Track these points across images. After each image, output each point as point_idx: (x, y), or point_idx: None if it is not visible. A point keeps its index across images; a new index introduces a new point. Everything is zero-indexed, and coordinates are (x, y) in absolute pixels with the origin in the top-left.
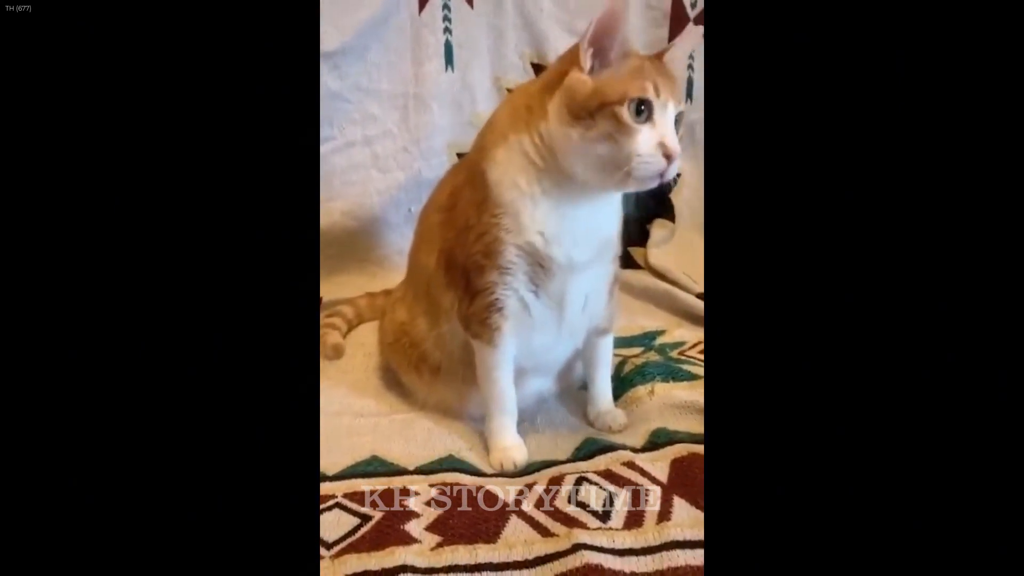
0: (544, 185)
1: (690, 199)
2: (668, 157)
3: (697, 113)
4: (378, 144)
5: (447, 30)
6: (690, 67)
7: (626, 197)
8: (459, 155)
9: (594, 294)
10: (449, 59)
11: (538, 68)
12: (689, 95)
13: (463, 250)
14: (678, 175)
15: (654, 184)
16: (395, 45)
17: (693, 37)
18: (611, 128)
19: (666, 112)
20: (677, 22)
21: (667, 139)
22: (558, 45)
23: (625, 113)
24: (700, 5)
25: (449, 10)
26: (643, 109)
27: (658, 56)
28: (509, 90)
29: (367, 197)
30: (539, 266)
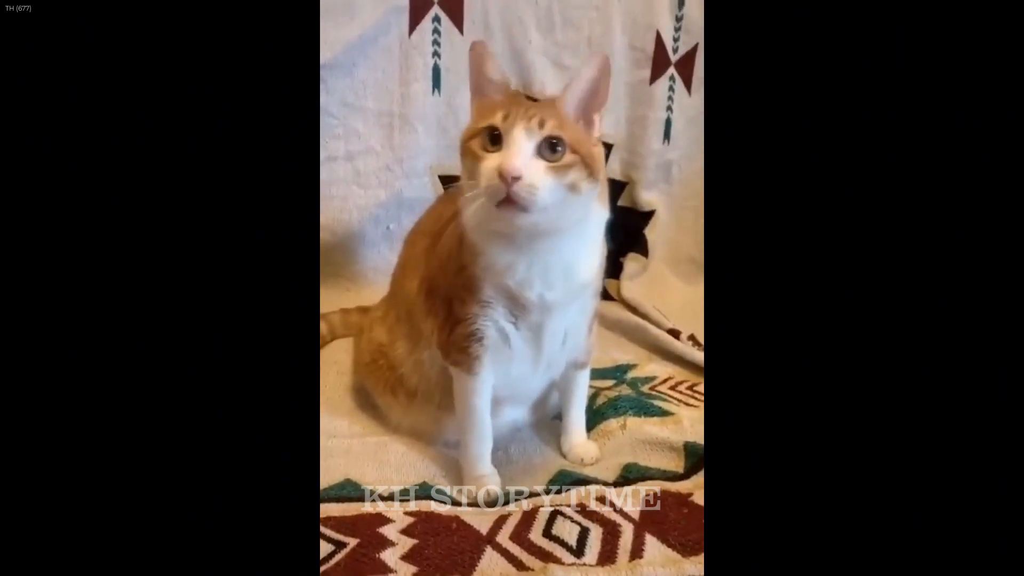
0: (500, 234)
1: (663, 235)
2: (502, 177)
3: (674, 153)
4: (360, 160)
5: (435, 54)
6: (669, 108)
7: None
8: (441, 177)
9: (574, 329)
10: (436, 82)
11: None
12: (667, 135)
13: (445, 280)
14: (652, 212)
15: (516, 214)
16: (383, 64)
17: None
18: (469, 163)
19: (511, 136)
20: (659, 64)
21: (504, 160)
22: (544, 77)
23: (475, 144)
24: (682, 49)
25: (439, 35)
26: (495, 136)
27: (552, 96)
28: None
29: (346, 212)
30: (517, 302)
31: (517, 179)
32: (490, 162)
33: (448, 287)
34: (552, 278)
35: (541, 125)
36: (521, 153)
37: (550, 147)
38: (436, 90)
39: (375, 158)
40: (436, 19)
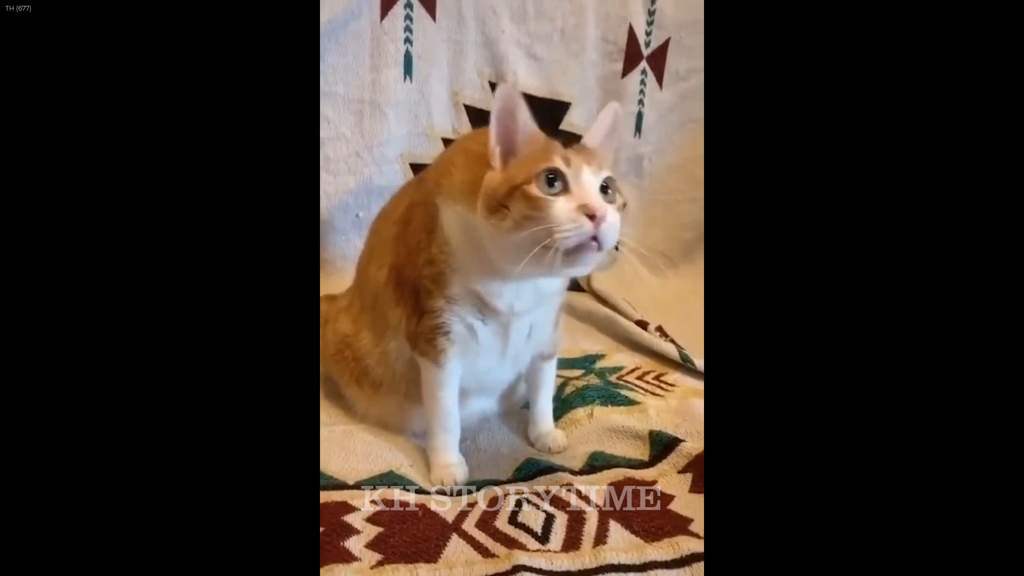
0: (483, 255)
1: (634, 228)
2: (592, 217)
3: (645, 147)
4: (330, 147)
5: (408, 40)
6: (640, 102)
7: None
8: (412, 165)
9: (539, 324)
10: (408, 69)
11: (495, 88)
12: (638, 129)
13: (413, 270)
14: (623, 205)
15: (592, 256)
16: (354, 50)
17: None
18: (525, 208)
19: (581, 178)
20: (631, 58)
21: (588, 199)
22: (517, 67)
23: (534, 188)
24: (654, 44)
25: (411, 21)
26: (554, 180)
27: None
28: (467, 107)
29: (319, 200)
30: (486, 306)
31: (604, 219)
32: (564, 204)
33: (416, 277)
34: (523, 293)
35: (600, 167)
36: (597, 193)
37: (603, 189)
38: (408, 77)
39: (345, 144)
40: (408, 5)
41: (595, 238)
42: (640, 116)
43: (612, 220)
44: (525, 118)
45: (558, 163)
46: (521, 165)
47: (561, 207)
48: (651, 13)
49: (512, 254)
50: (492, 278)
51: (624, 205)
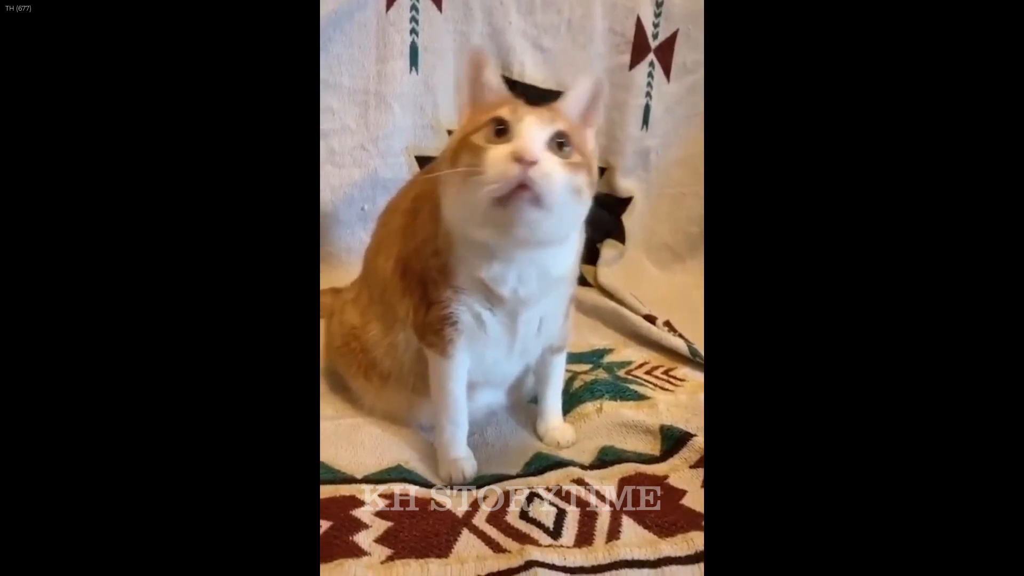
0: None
1: (640, 222)
2: (520, 161)
3: (652, 140)
4: (335, 139)
5: (414, 31)
6: (648, 95)
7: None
8: (417, 158)
9: (549, 316)
10: (414, 60)
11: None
12: (645, 122)
13: (420, 262)
14: (629, 198)
15: (525, 209)
16: (359, 41)
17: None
18: (468, 157)
19: (521, 125)
20: (639, 50)
21: (521, 146)
22: (524, 58)
23: (479, 137)
24: (661, 36)
25: (417, 11)
26: (503, 131)
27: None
28: None
29: (319, 192)
30: (491, 294)
31: (533, 163)
32: (499, 150)
33: (423, 268)
34: (527, 277)
35: (552, 120)
36: (535, 140)
37: (558, 144)
38: (414, 68)
39: (350, 136)
40: None
41: (527, 186)
42: (647, 109)
43: (547, 168)
44: (492, 78)
45: (504, 112)
46: (475, 117)
47: (495, 152)
48: (659, 5)
49: (459, 208)
50: (492, 262)
51: (591, 172)
